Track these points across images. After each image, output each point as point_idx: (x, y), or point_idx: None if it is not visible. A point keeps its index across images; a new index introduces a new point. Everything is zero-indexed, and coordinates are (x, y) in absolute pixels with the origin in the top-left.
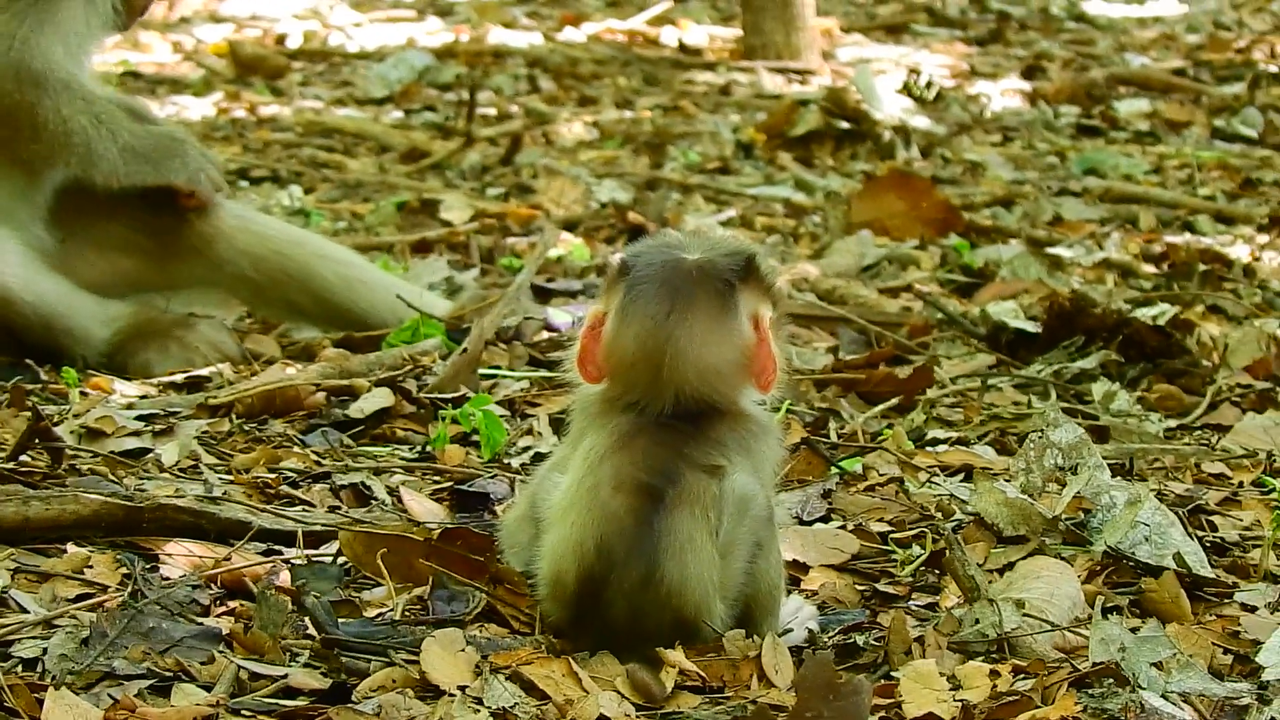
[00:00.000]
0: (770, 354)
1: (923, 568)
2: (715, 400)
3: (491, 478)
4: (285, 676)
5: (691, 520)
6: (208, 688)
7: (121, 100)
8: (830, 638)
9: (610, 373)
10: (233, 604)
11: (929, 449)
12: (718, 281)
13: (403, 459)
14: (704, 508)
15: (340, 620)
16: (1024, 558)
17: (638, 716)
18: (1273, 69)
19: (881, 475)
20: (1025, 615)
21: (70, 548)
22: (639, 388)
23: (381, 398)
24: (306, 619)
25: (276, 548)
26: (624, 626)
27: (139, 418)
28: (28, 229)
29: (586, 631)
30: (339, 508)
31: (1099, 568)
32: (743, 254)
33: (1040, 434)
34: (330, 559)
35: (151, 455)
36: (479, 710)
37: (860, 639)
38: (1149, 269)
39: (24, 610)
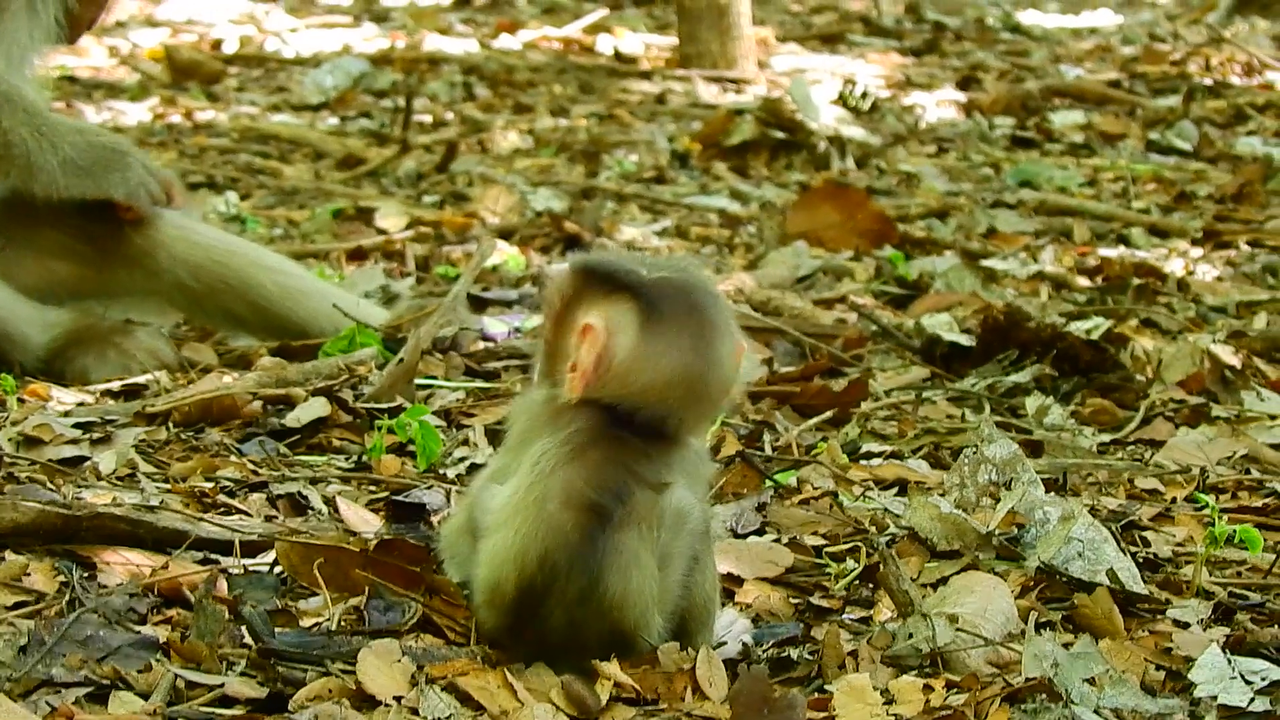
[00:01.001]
0: (739, 366)
1: (857, 581)
2: (700, 428)
3: (428, 488)
4: (222, 686)
5: (637, 538)
6: (145, 696)
7: (64, 119)
8: (764, 651)
9: (619, 388)
10: (170, 612)
11: (863, 462)
12: (719, 295)
13: (339, 468)
14: (649, 524)
15: (277, 630)
16: (958, 572)
17: None
18: (1208, 82)
19: (816, 488)
20: (959, 630)
21: (8, 555)
22: (663, 407)
23: (318, 407)
24: (243, 628)
25: (214, 557)
26: (561, 638)
27: (77, 425)
28: None
29: (521, 640)
30: (275, 517)
31: (1032, 583)
32: (696, 265)
33: (975, 449)
34: (267, 568)
35: (89, 463)
36: None
37: (794, 653)
38: (1083, 282)
39: None
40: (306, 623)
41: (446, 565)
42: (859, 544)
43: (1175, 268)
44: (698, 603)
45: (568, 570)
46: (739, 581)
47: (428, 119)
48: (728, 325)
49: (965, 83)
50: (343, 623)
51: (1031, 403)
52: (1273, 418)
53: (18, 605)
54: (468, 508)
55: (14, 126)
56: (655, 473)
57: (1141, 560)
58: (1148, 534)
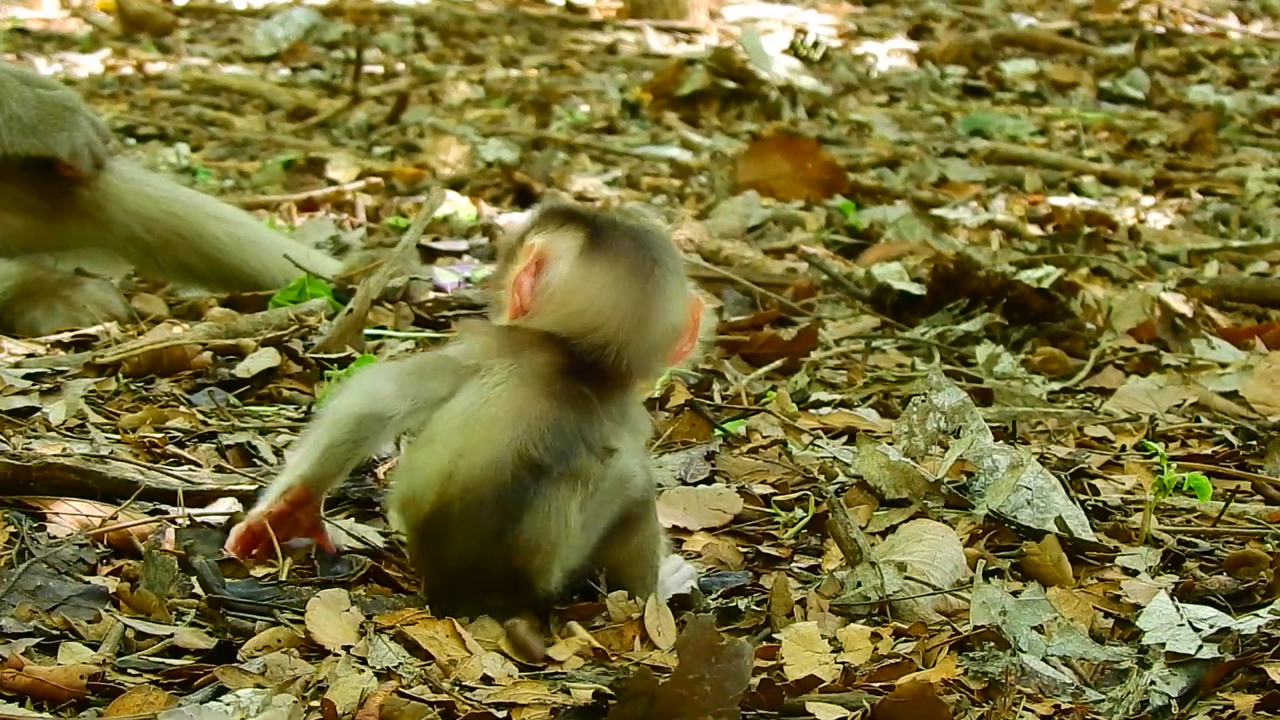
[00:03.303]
0: (696, 331)
1: (805, 530)
2: (647, 368)
3: None
4: (171, 636)
5: (568, 492)
6: (94, 646)
7: (15, 69)
8: (713, 600)
9: (556, 313)
10: (119, 563)
11: (812, 411)
12: (674, 250)
13: (289, 419)
14: (581, 483)
15: (227, 580)
16: (906, 521)
17: (520, 677)
18: (1159, 30)
19: (765, 437)
20: (907, 578)
21: None
22: (597, 331)
23: (268, 358)
24: (193, 579)
25: (163, 507)
26: (459, 567)
27: (26, 376)
28: None
29: (418, 560)
30: (225, 467)
31: (980, 531)
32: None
33: (923, 397)
34: (222, 518)
35: (39, 414)
36: (363, 670)
37: (742, 602)
38: (1034, 231)
39: None
40: (257, 573)
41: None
42: (808, 493)
43: (1126, 216)
44: (639, 563)
45: (491, 508)
46: (687, 531)
47: (379, 70)
48: (675, 270)
49: (916, 32)
50: (293, 574)
51: (982, 351)
52: (1223, 366)
53: None
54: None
55: None
56: (602, 436)
57: (1090, 508)
58: (1097, 482)
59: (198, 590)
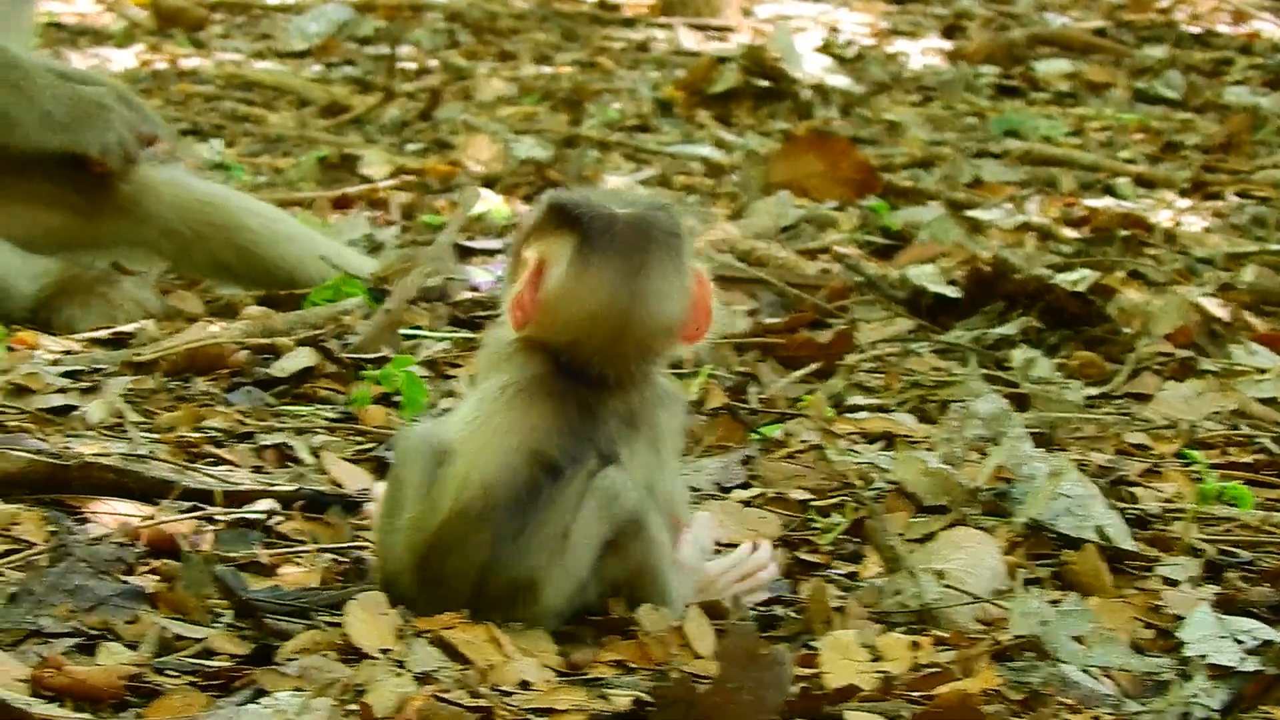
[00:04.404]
0: (707, 306)
1: (843, 536)
2: (654, 360)
3: None
4: (206, 639)
5: (576, 497)
6: (133, 647)
7: (55, 65)
8: (750, 607)
9: (551, 323)
10: (157, 563)
11: (849, 416)
12: (671, 236)
13: (325, 419)
14: (580, 490)
15: (263, 584)
16: (945, 528)
17: (559, 682)
18: (1195, 30)
19: (802, 442)
20: (946, 586)
21: None
22: (583, 342)
23: (304, 357)
24: (225, 581)
25: (201, 507)
26: (476, 573)
27: (64, 374)
28: None
29: (423, 576)
30: (262, 468)
31: (1019, 539)
32: (668, 206)
33: (962, 404)
34: (260, 517)
35: (78, 413)
36: (401, 674)
37: (779, 610)
38: (1069, 233)
39: None
40: (293, 574)
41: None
42: (845, 499)
43: (1162, 219)
44: (645, 576)
45: (509, 508)
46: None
47: (411, 66)
48: (668, 263)
49: (950, 31)
50: (329, 575)
51: (1018, 355)
52: (1261, 371)
53: (7, 554)
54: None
55: None
56: (609, 440)
57: (1130, 517)
58: (1136, 490)
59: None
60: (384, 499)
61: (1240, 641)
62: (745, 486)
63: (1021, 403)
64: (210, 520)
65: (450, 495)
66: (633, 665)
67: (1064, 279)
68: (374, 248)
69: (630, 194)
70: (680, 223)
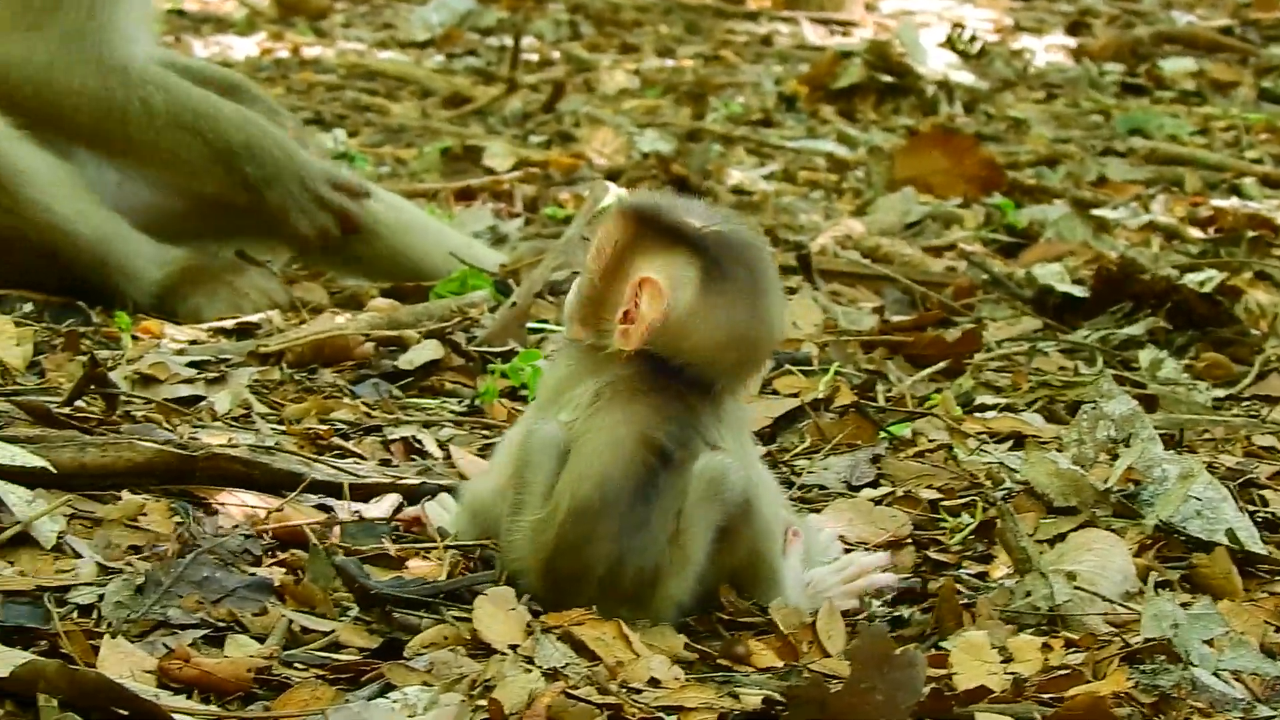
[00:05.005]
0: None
1: (972, 536)
2: (747, 382)
3: None
4: (334, 632)
5: (681, 485)
6: (260, 639)
7: (221, 73)
8: (880, 605)
9: (675, 344)
10: (284, 555)
11: (977, 415)
12: (770, 253)
13: (452, 412)
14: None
15: (389, 576)
16: (1075, 529)
17: (688, 680)
18: None
19: (930, 441)
20: (1076, 588)
21: (125, 495)
22: (712, 367)
23: (430, 350)
24: (350, 573)
25: (328, 500)
26: (605, 567)
27: (191, 364)
28: (86, 167)
29: (554, 576)
30: (390, 461)
31: (1150, 541)
32: (743, 220)
33: (1094, 405)
34: (389, 510)
35: (205, 403)
36: (530, 670)
37: (907, 611)
38: (1195, 233)
39: (79, 556)
40: (421, 567)
41: (464, 530)
42: (974, 498)
43: None
44: (752, 568)
45: (631, 498)
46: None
47: (534, 58)
48: (778, 284)
49: (1074, 27)
50: (457, 568)
51: (1145, 356)
52: None
53: (134, 546)
54: (507, 461)
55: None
56: (709, 430)
57: (1260, 520)
58: (1266, 493)
59: (364, 584)
60: (510, 499)
61: None
62: (874, 485)
63: (1149, 404)
64: (330, 512)
65: (569, 494)
66: (764, 665)
67: (1191, 279)
68: (498, 240)
69: (696, 203)
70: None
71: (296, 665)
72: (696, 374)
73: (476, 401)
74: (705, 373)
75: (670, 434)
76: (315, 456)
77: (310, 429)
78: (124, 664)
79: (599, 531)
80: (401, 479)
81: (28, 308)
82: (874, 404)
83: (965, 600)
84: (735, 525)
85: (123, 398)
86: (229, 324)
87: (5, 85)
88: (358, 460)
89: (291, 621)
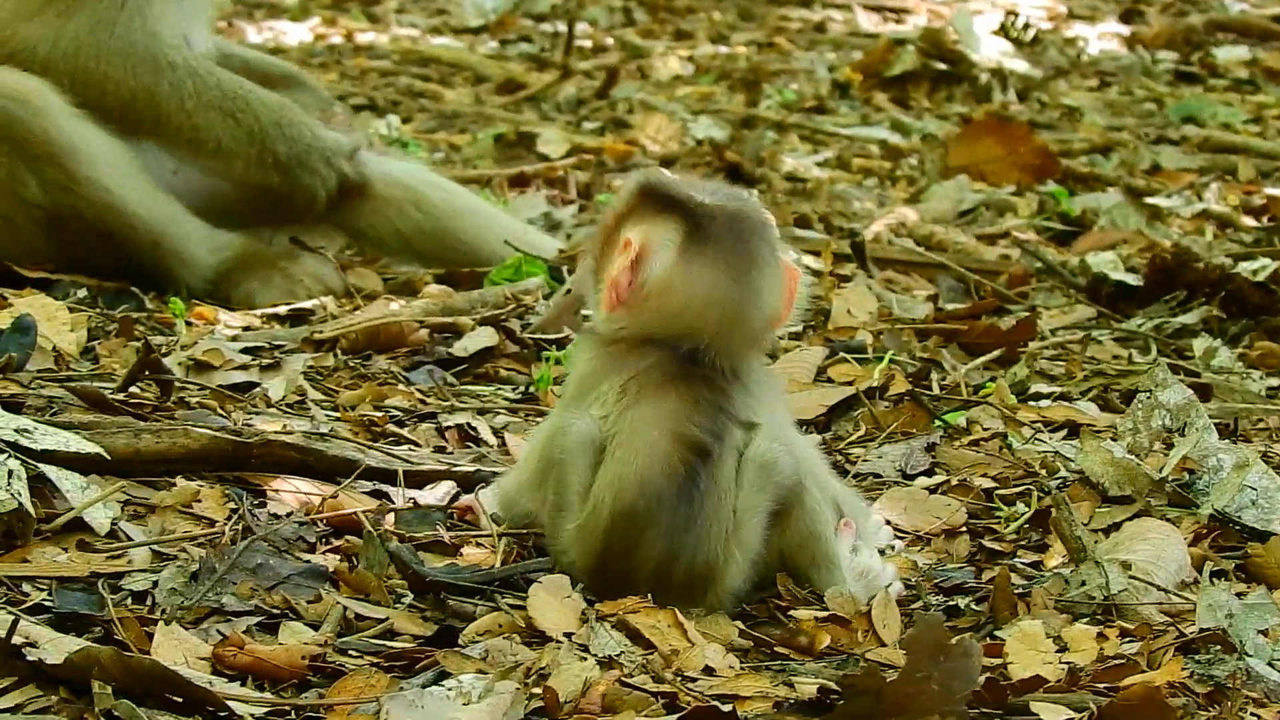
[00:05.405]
0: (794, 296)
1: (1027, 525)
2: (759, 347)
3: None
4: (388, 619)
5: (731, 474)
6: (315, 626)
7: (269, 63)
8: (934, 593)
9: (654, 310)
10: (339, 542)
11: (1031, 403)
12: (767, 228)
13: (506, 399)
14: (735, 464)
15: (443, 564)
16: (1130, 519)
17: (743, 669)
18: None
19: (985, 430)
20: (1131, 578)
21: (179, 482)
22: (695, 333)
23: (485, 337)
24: (405, 559)
25: (383, 487)
26: (653, 569)
27: (245, 351)
28: (143, 152)
29: (605, 573)
30: (445, 448)
31: (1204, 531)
32: (749, 195)
33: (1149, 394)
34: (444, 497)
35: (259, 390)
36: (585, 658)
37: (962, 601)
38: (1249, 221)
39: (133, 543)
40: (476, 555)
41: (505, 520)
42: (1029, 487)
43: None
44: (806, 548)
45: (674, 500)
46: (903, 532)
47: (588, 44)
48: (772, 257)
49: (1128, 15)
50: (511, 555)
51: (1199, 345)
52: None
53: (189, 533)
54: (536, 458)
55: (199, 109)
56: (742, 409)
57: None
58: None
59: (419, 571)
60: (549, 500)
61: None
62: (929, 473)
63: (1203, 393)
64: (381, 494)
65: (610, 499)
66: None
67: (1245, 268)
68: (552, 226)
69: (712, 182)
70: (769, 215)
71: (351, 653)
72: (690, 352)
73: (531, 388)
74: (694, 340)
75: (703, 426)
76: (370, 443)
77: (365, 416)
78: (178, 651)
79: (646, 537)
80: (456, 466)
81: (81, 293)
82: (928, 392)
83: (1020, 590)
84: (787, 509)
85: (177, 384)
86: (283, 310)
87: (34, 65)
88: (412, 447)
89: (346, 609)
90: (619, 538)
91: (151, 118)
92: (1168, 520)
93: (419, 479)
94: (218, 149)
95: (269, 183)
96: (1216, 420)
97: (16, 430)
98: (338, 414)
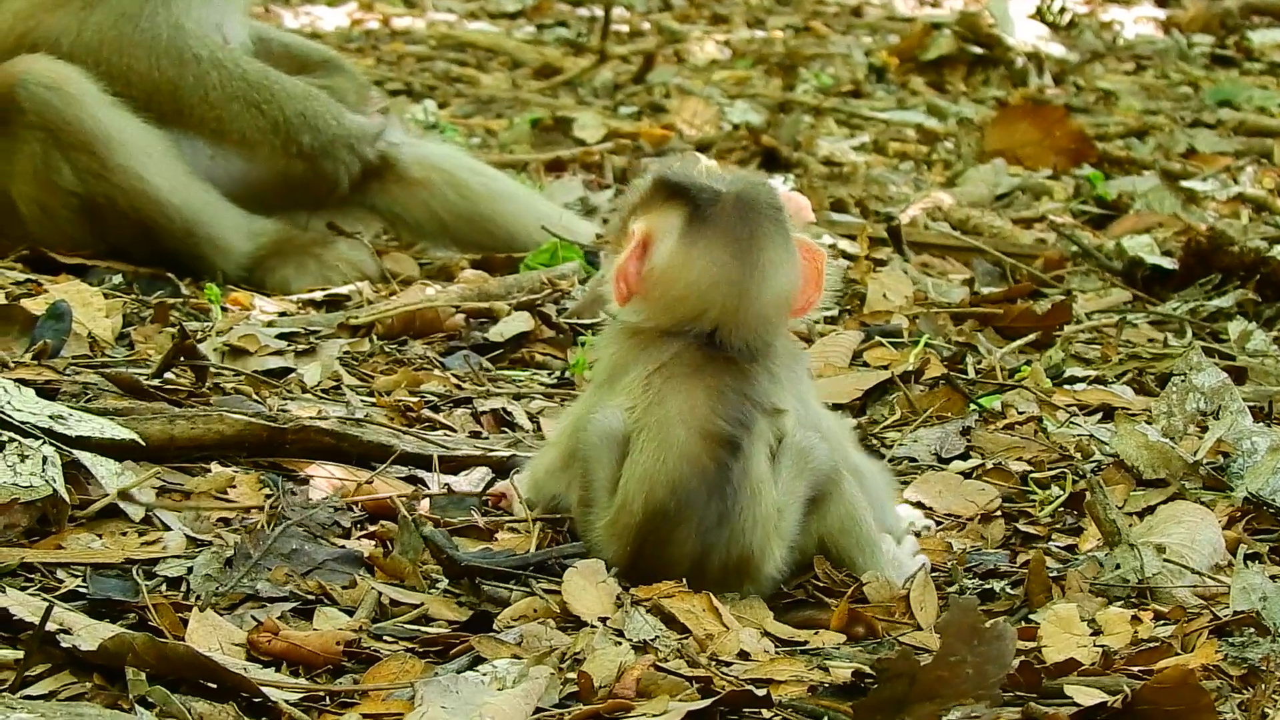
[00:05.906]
0: (819, 277)
1: (1061, 509)
2: (774, 331)
3: None
4: (423, 605)
5: (765, 463)
6: (350, 612)
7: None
8: (969, 577)
9: (661, 297)
10: (374, 528)
11: (1066, 387)
12: (775, 210)
13: (542, 384)
14: (769, 451)
15: (476, 549)
16: (1164, 502)
17: (778, 653)
18: None
19: (1020, 413)
20: (1166, 561)
21: (214, 467)
22: (702, 316)
23: (521, 322)
24: (440, 545)
25: (418, 472)
26: (688, 564)
27: (280, 336)
28: (179, 139)
29: (639, 566)
30: (480, 433)
31: (1239, 514)
32: (765, 181)
33: (1183, 377)
34: (479, 483)
35: (294, 375)
36: (620, 643)
37: (997, 585)
38: None
39: (168, 529)
40: (510, 540)
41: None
42: (1064, 470)
43: None
44: (846, 532)
45: (705, 496)
46: (936, 515)
47: (624, 29)
48: (778, 237)
49: None
50: (545, 540)
51: (1234, 328)
52: None
53: (223, 519)
54: (563, 443)
55: (225, 100)
56: (766, 395)
57: None
58: None
59: (453, 556)
60: (576, 492)
61: None
62: (964, 457)
63: (1238, 376)
64: (417, 479)
65: (641, 499)
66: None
67: None
68: (588, 211)
69: (733, 171)
70: (781, 198)
71: (386, 638)
72: (704, 337)
73: (567, 373)
74: (705, 323)
75: (729, 418)
76: (405, 429)
77: (400, 401)
78: (212, 637)
79: (679, 534)
80: (492, 451)
81: (116, 279)
82: (964, 376)
83: (1055, 573)
84: (823, 495)
85: (212, 370)
86: (319, 295)
87: (57, 56)
88: (448, 432)
89: (381, 594)
90: (652, 536)
91: (174, 109)
92: (1202, 503)
93: (454, 464)
94: (242, 139)
95: (293, 171)
96: (1251, 403)
97: (51, 416)
98: (373, 399)
